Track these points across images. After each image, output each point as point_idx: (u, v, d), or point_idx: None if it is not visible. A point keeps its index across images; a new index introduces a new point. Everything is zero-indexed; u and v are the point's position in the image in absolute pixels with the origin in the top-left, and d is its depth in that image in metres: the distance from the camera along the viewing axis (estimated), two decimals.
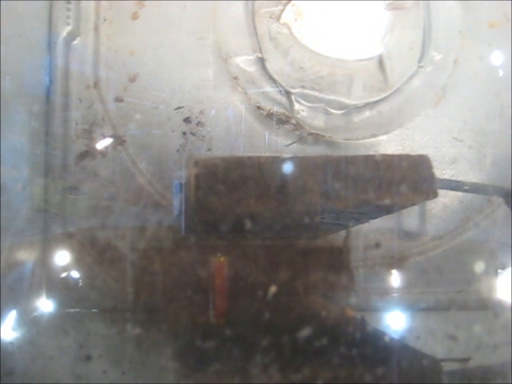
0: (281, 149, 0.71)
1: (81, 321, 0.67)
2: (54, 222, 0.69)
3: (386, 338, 0.63)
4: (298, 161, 0.57)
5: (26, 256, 0.68)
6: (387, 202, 0.56)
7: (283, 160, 0.61)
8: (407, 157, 0.57)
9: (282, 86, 0.71)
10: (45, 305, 0.68)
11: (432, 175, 0.57)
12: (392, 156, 0.57)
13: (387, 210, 0.60)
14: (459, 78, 0.72)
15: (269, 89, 0.71)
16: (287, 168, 0.62)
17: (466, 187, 0.66)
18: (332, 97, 0.70)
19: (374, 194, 0.57)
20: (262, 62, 0.71)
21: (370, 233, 0.68)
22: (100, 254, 0.68)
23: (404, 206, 0.59)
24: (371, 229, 0.68)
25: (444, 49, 0.72)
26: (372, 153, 0.70)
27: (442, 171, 0.70)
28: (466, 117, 0.72)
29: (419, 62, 0.72)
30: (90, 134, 0.71)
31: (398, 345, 0.64)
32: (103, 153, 0.70)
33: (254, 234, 0.61)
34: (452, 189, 0.66)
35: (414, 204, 0.64)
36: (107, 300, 0.68)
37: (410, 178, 0.57)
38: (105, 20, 0.72)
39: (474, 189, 0.68)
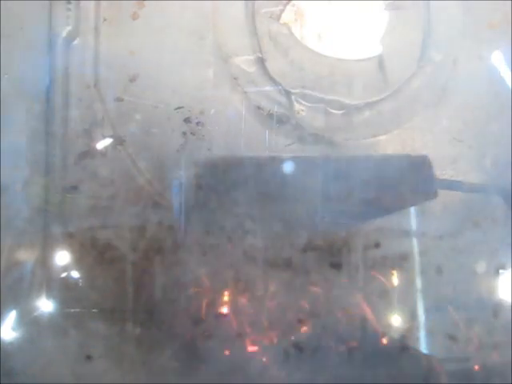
0: (281, 149, 0.70)
1: (81, 321, 0.67)
2: (53, 222, 0.69)
3: (387, 339, 0.63)
4: (298, 161, 0.57)
5: (26, 256, 0.68)
6: (387, 202, 0.56)
7: (283, 160, 0.61)
8: (407, 157, 0.58)
9: (282, 86, 0.71)
10: (45, 305, 0.68)
11: (432, 175, 0.57)
12: (392, 156, 0.57)
13: (387, 210, 0.60)
14: (459, 78, 0.72)
15: (269, 89, 0.71)
16: (287, 168, 0.62)
17: (465, 187, 0.66)
18: (332, 97, 0.70)
19: (375, 194, 0.57)
20: (261, 62, 0.71)
21: (369, 233, 0.68)
22: (100, 254, 0.68)
23: (404, 206, 0.59)
24: (371, 229, 0.68)
25: (444, 49, 0.72)
26: (372, 153, 0.70)
27: (441, 171, 0.70)
28: (466, 117, 0.72)
29: (419, 61, 0.72)
30: (89, 134, 0.71)
31: (398, 345, 0.64)
32: (103, 153, 0.70)
33: (254, 233, 0.61)
34: (452, 189, 0.66)
35: (413, 204, 0.64)
36: (107, 300, 0.68)
37: (409, 178, 0.57)
38: (105, 20, 0.72)
39: (474, 189, 0.68)
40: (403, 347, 0.64)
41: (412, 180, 0.65)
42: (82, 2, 0.72)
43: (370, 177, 0.66)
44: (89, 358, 0.65)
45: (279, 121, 0.71)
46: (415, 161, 0.64)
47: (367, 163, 0.67)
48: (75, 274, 0.68)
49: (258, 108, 0.71)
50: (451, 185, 0.66)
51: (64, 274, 0.68)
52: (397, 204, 0.65)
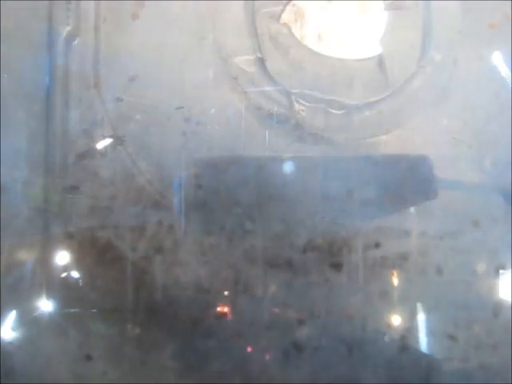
0: (281, 149, 0.70)
1: (81, 321, 0.67)
2: (54, 222, 0.69)
3: (387, 339, 0.63)
4: (298, 161, 0.57)
5: (26, 256, 0.68)
6: (387, 202, 0.56)
7: (283, 160, 0.61)
8: (407, 157, 0.58)
9: (282, 86, 0.71)
10: (45, 305, 0.68)
11: (432, 175, 0.57)
12: (392, 156, 0.57)
13: (387, 210, 0.60)
14: (459, 78, 0.72)
15: (269, 89, 0.71)
16: (287, 168, 0.62)
17: (465, 187, 0.66)
18: (332, 97, 0.70)
19: (374, 194, 0.57)
20: (261, 62, 0.71)
21: (370, 233, 0.68)
22: (100, 254, 0.68)
23: (404, 206, 0.59)
24: (371, 229, 0.68)
25: (444, 49, 0.72)
26: (372, 153, 0.70)
27: (441, 171, 0.70)
28: (466, 117, 0.72)
29: (419, 61, 0.72)
30: (90, 134, 0.71)
31: (398, 345, 0.64)
32: (103, 153, 0.70)
33: (253, 233, 0.61)
34: (452, 189, 0.66)
35: (414, 204, 0.64)
36: (107, 300, 0.68)
37: (409, 178, 0.57)
38: (105, 20, 0.72)
39: (474, 189, 0.68)
40: (403, 347, 0.64)
41: (412, 180, 0.65)
42: (82, 2, 0.72)
43: (370, 177, 0.66)
44: (89, 358, 0.65)
45: (279, 121, 0.71)
46: (415, 161, 0.64)
47: (367, 163, 0.67)
48: (75, 274, 0.68)
49: (258, 108, 0.71)
50: (451, 185, 0.66)
51: (64, 274, 0.68)
52: (397, 204, 0.65)
